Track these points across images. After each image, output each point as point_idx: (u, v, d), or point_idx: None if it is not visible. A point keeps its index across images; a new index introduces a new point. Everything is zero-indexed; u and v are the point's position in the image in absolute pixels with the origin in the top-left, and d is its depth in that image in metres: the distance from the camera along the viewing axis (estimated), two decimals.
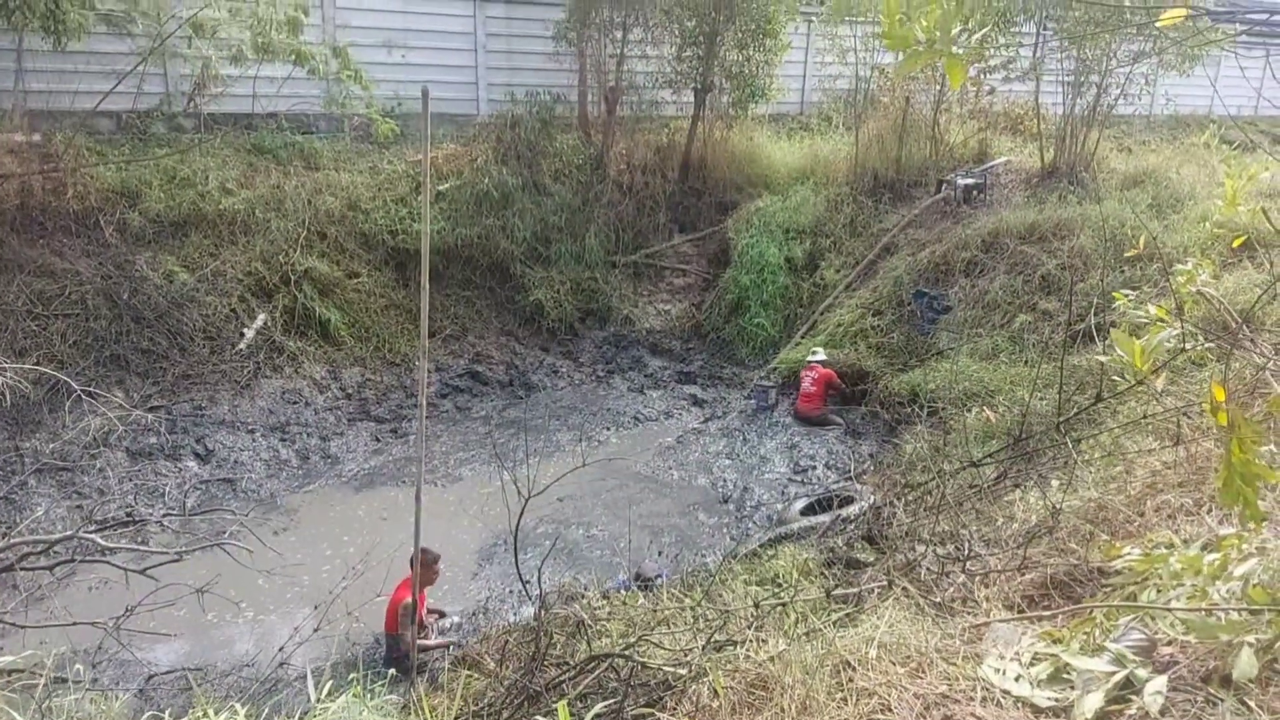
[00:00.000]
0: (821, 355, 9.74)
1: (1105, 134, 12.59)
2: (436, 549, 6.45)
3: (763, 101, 13.40)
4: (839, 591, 3.23)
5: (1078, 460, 4.27)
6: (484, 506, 7.92)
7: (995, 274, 9.60)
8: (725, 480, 8.68)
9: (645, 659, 2.89)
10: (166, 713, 3.59)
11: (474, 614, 6.50)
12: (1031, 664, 2.49)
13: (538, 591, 4.58)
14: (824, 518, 6.37)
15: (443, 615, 6.45)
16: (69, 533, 5.46)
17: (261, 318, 9.84)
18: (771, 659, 2.54)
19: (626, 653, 2.97)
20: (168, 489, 7.88)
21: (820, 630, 2.76)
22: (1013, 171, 12.24)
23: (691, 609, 3.68)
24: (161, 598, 6.24)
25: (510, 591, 6.77)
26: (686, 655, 2.82)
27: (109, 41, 9.67)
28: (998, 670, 2.47)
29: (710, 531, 7.81)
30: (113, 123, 10.61)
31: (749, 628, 2.99)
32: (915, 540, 4.18)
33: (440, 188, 11.59)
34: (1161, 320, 3.02)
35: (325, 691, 3.39)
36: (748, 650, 2.69)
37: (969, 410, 7.40)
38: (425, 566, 6.06)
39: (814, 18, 14.68)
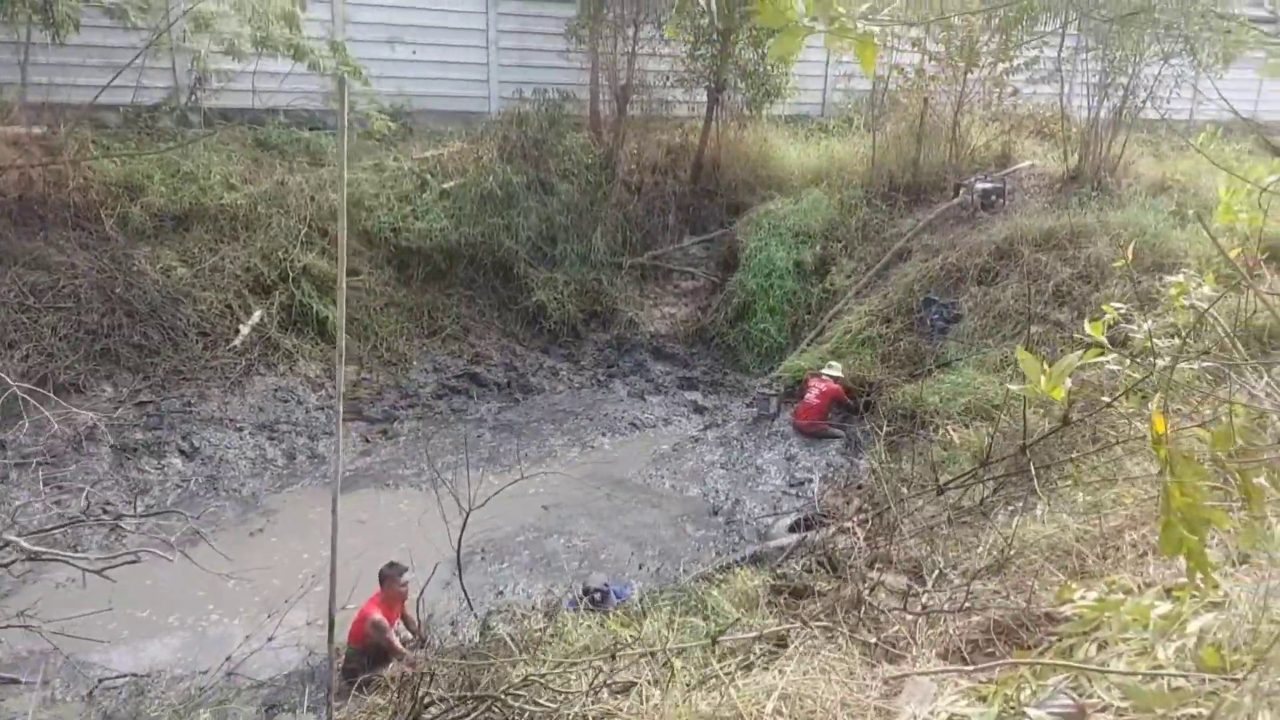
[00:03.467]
0: (837, 371, 9.38)
1: (1136, 138, 12.09)
2: (408, 558, 6.28)
3: (779, 101, 13.09)
4: (730, 638, 2.94)
5: (1046, 487, 3.94)
6: (455, 513, 7.72)
7: (1008, 282, 9.20)
8: (718, 491, 8.40)
9: (524, 703, 2.66)
10: None
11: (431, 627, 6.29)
12: None
13: (475, 614, 4.33)
14: (792, 538, 6.07)
15: (423, 643, 6.12)
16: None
17: (258, 314, 9.76)
18: (656, 708, 2.29)
19: (507, 693, 2.74)
20: (150, 486, 7.81)
21: (720, 678, 2.50)
22: (1036, 176, 11.79)
23: (599, 644, 3.44)
24: (129, 597, 6.19)
25: (479, 603, 6.56)
26: (570, 701, 2.58)
27: (115, 35, 9.67)
28: None
29: (695, 545, 7.54)
30: (119, 116, 10.62)
31: (651, 669, 2.74)
32: (869, 569, 3.89)
33: (445, 186, 11.46)
34: (1095, 341, 2.70)
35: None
36: (636, 699, 2.45)
37: (968, 426, 7.05)
38: (390, 582, 5.87)
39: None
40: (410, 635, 6.03)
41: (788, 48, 2.07)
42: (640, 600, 4.97)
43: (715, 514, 8.06)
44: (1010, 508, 4.37)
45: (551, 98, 12.09)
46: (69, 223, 9.19)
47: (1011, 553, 3.83)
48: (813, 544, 5.37)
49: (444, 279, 11.07)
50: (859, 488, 6.74)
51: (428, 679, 3.48)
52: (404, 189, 11.32)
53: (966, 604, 2.97)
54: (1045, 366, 2.43)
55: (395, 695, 4.12)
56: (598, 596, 5.80)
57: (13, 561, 5.46)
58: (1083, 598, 2.67)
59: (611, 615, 4.55)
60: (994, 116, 12.69)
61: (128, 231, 9.54)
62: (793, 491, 8.25)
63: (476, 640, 4.75)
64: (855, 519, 5.07)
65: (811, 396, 9.20)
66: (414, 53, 12.54)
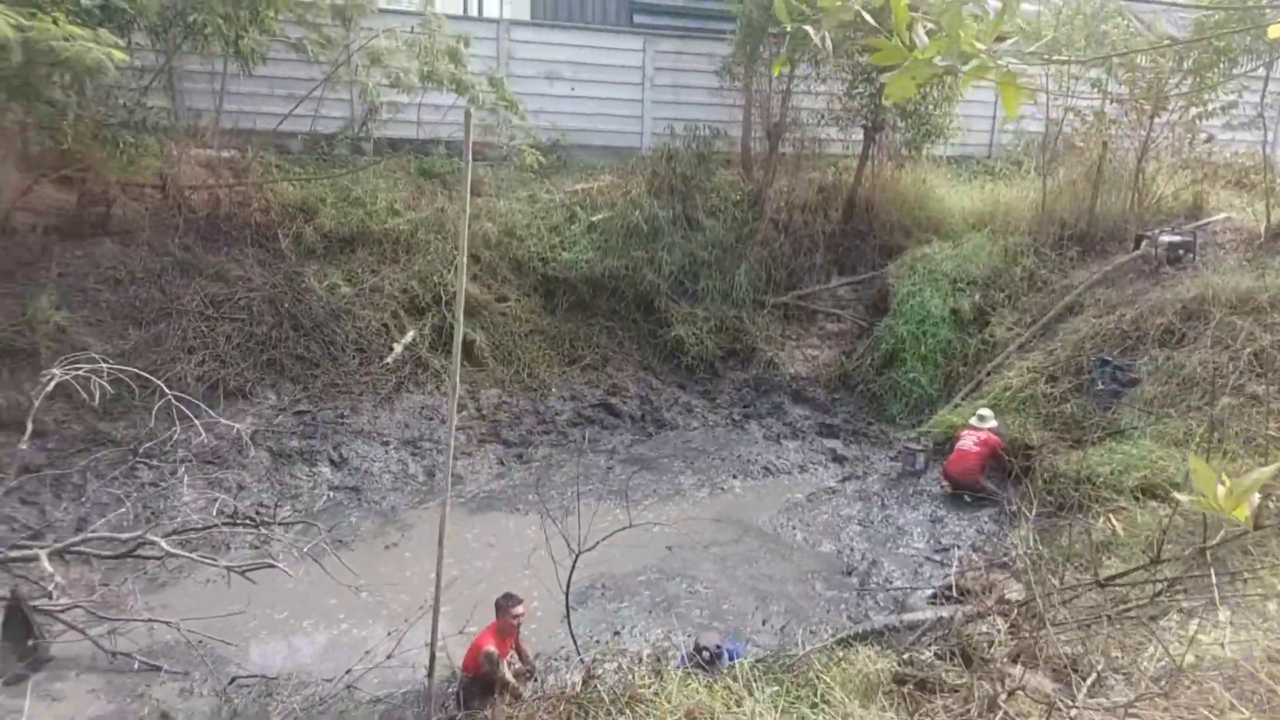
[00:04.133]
0: (993, 422, 8.70)
1: None
2: (529, 587, 6.25)
3: (940, 142, 12.54)
4: None
5: (1230, 594, 3.39)
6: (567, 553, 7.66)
7: (1195, 347, 8.28)
8: (853, 549, 7.95)
9: None
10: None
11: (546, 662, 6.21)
12: None
13: (582, 659, 4.19)
14: (928, 614, 5.58)
15: (531, 675, 6.07)
16: (138, 533, 5.70)
17: (411, 334, 10.18)
18: None
19: None
20: (300, 492, 8.20)
21: None
22: (1233, 231, 10.67)
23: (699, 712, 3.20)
24: (269, 599, 6.47)
25: (594, 640, 6.43)
26: None
27: (300, 68, 10.43)
28: None
29: (824, 606, 7.12)
30: (300, 143, 11.44)
31: None
32: (1011, 664, 3.47)
33: (593, 218, 11.63)
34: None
35: None
36: None
37: (1141, 504, 6.32)
38: (504, 613, 5.82)
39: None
40: (522, 667, 5.97)
41: (904, 89, 1.86)
42: (750, 668, 4.67)
43: (849, 574, 7.61)
44: (1185, 611, 3.80)
45: (702, 134, 12.08)
46: (249, 240, 9.92)
47: (1182, 665, 3.32)
48: (947, 626, 4.91)
49: (587, 309, 11.19)
50: (1005, 566, 6.15)
51: None
52: (554, 220, 11.58)
53: None
54: (1225, 478, 2.01)
55: None
56: (708, 655, 5.52)
57: (151, 559, 5.81)
58: None
59: (720, 678, 4.28)
60: (1184, 164, 11.63)
61: (300, 250, 10.19)
62: (937, 558, 7.67)
63: (579, 688, 4.61)
64: (996, 603, 4.58)
65: (969, 444, 8.51)
66: (572, 89, 12.90)
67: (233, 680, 5.65)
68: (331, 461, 8.62)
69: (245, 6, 8.68)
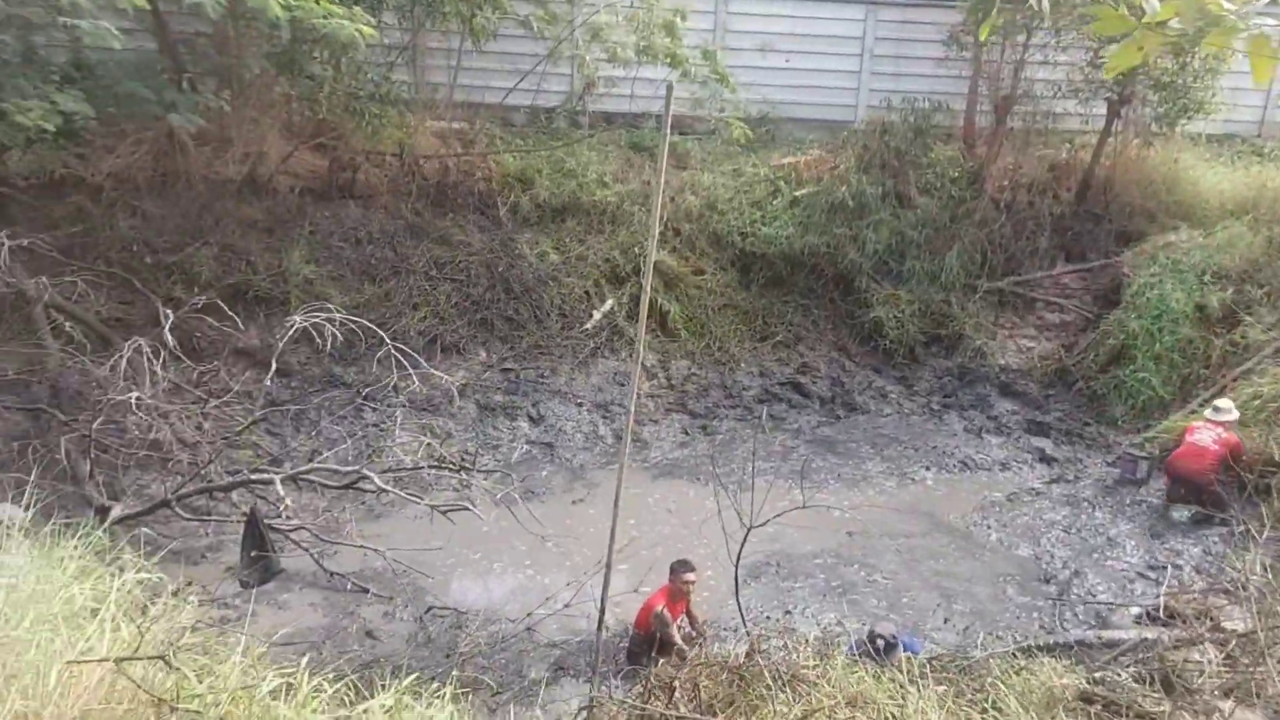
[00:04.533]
0: (1233, 414, 7.61)
1: None
2: (705, 556, 6.35)
3: (1198, 117, 11.10)
4: None
5: None
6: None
7: None
8: (1053, 556, 7.38)
9: None
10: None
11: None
12: None
13: (747, 631, 4.21)
14: (1130, 634, 5.07)
15: (701, 641, 6.17)
16: (357, 468, 6.33)
17: (610, 302, 10.54)
18: None
19: None
20: (500, 443, 8.80)
21: None
22: None
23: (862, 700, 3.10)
24: (466, 540, 7.03)
25: (764, 616, 6.42)
26: None
27: (526, 44, 10.96)
28: None
29: (1015, 612, 6.68)
30: (523, 116, 12.07)
31: None
32: (1223, 699, 3.09)
33: (797, 193, 11.42)
34: None
35: None
36: None
37: None
38: (676, 578, 5.94)
39: None
40: (693, 633, 6.09)
41: (1130, 59, 1.69)
42: (925, 665, 4.47)
43: (1046, 582, 7.08)
44: None
45: (921, 107, 11.46)
46: (472, 207, 10.66)
47: None
48: (1151, 649, 4.45)
49: (783, 285, 11.04)
50: (1227, 592, 5.45)
51: (688, 689, 3.45)
52: (757, 194, 11.48)
53: None
54: None
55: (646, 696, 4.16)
56: (881, 644, 5.35)
57: (368, 491, 6.47)
58: None
59: (890, 669, 4.15)
60: None
61: (516, 218, 10.82)
62: (1151, 575, 6.94)
63: (742, 660, 4.63)
64: (1210, 630, 4.09)
65: (1206, 439, 7.42)
66: (787, 60, 12.63)
67: (429, 610, 6.22)
68: (530, 418, 9.15)
69: None
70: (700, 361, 10.38)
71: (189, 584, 5.45)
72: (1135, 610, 6.09)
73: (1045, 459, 9.02)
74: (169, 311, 7.08)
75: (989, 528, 7.85)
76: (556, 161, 11.33)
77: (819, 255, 10.92)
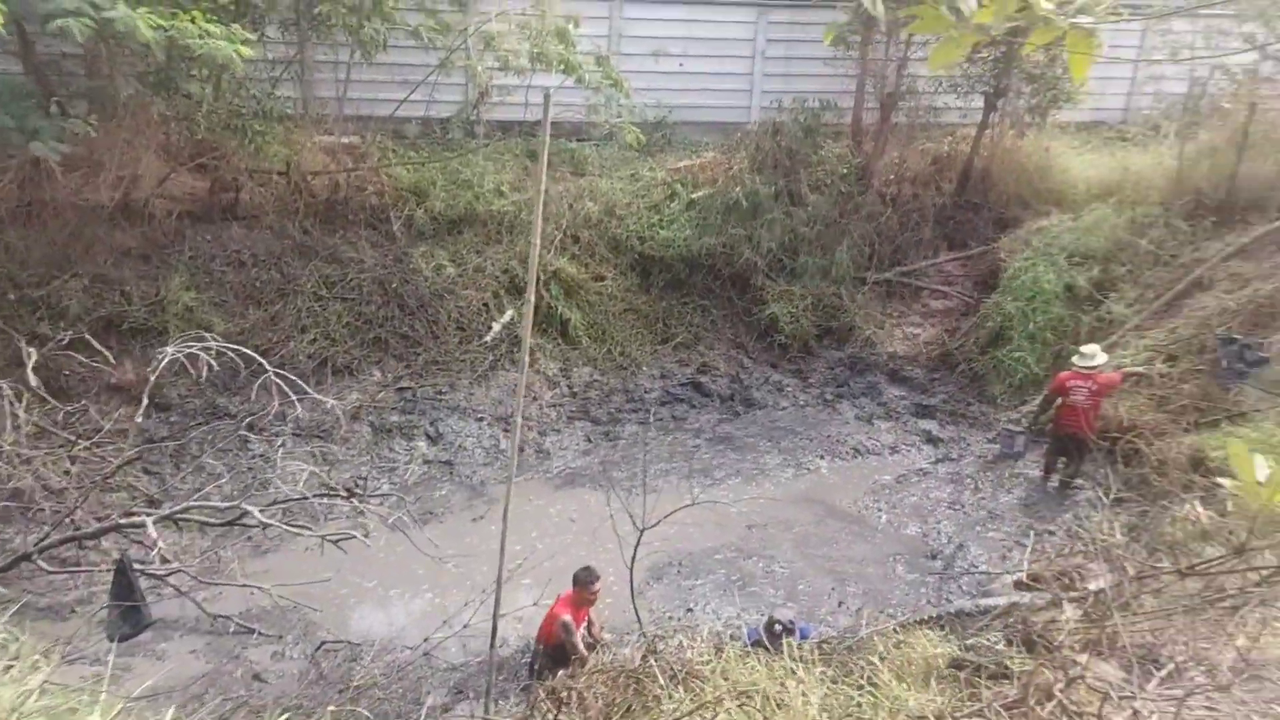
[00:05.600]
0: (1102, 358, 8.06)
1: None
2: (607, 563, 6.41)
3: (1068, 106, 11.70)
4: None
5: None
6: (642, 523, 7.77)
7: None
8: (939, 532, 7.73)
9: None
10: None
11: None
12: None
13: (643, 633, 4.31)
14: (1001, 600, 5.37)
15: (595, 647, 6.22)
16: (236, 503, 6.19)
17: (510, 313, 10.51)
18: None
19: None
20: (397, 464, 8.68)
21: None
22: None
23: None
24: (360, 569, 6.93)
25: (666, 616, 6.55)
26: None
27: (417, 54, 10.79)
28: None
29: (905, 589, 6.99)
30: (415, 128, 11.94)
31: None
32: (1080, 653, 3.34)
33: (693, 196, 11.61)
34: None
35: None
36: None
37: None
38: (582, 586, 5.98)
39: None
40: (591, 639, 6.15)
41: (950, 55, 1.87)
42: (813, 649, 4.65)
43: (933, 558, 7.42)
44: (1266, 603, 3.52)
45: (810, 106, 11.78)
46: (363, 222, 10.50)
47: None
48: (1017, 611, 4.72)
49: (682, 288, 11.22)
50: (1085, 554, 5.81)
51: (574, 698, 3.50)
52: (654, 198, 11.62)
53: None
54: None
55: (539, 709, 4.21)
56: (779, 630, 5.53)
57: (251, 527, 6.32)
58: None
59: (782, 657, 4.30)
60: None
61: (411, 233, 10.68)
62: (1026, 543, 7.33)
63: (637, 663, 4.72)
64: (1068, 589, 4.36)
65: (1081, 397, 7.90)
66: (680, 64, 12.77)
67: (321, 645, 6.10)
68: (428, 436, 9.06)
69: None
70: (602, 367, 10.46)
71: (55, 643, 5.17)
72: (1014, 577, 6.41)
73: (931, 440, 9.40)
74: (32, 350, 6.77)
75: (879, 510, 8.15)
76: (452, 172, 11.24)
77: (716, 256, 11.14)
